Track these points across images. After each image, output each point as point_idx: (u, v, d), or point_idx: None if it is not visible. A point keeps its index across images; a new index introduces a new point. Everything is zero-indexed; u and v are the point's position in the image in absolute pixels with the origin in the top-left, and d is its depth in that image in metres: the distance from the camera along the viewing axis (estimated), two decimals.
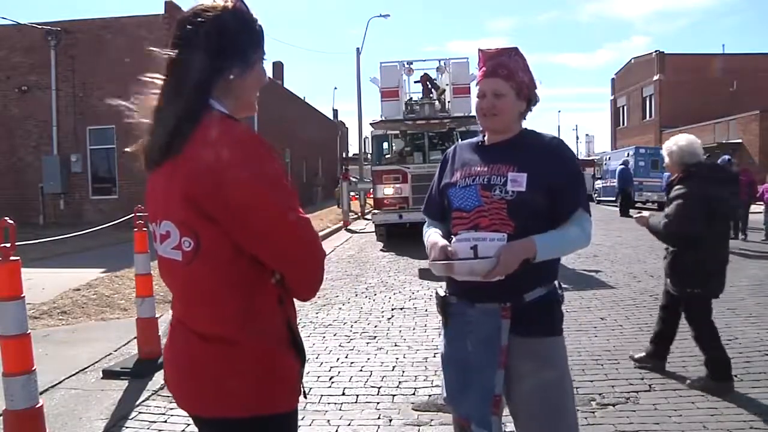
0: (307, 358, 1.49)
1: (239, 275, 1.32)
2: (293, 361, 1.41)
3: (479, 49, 2.02)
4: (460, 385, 1.99)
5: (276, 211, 1.28)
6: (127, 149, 1.41)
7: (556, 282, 2.00)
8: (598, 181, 27.95)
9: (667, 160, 4.12)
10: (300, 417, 3.89)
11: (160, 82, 1.36)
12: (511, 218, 1.87)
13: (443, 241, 1.97)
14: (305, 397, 1.48)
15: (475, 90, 2.14)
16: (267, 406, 1.36)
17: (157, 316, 4.74)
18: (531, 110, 2.04)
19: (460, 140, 15.18)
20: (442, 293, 2.07)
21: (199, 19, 1.33)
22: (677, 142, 4.05)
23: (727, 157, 12.03)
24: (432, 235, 2.06)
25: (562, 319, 2.02)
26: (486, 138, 2.08)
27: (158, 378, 4.27)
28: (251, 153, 1.28)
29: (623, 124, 40.91)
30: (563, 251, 1.99)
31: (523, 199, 1.87)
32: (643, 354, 4.33)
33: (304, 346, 1.46)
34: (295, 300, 1.46)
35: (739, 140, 26.42)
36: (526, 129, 2.05)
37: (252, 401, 1.34)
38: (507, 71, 1.94)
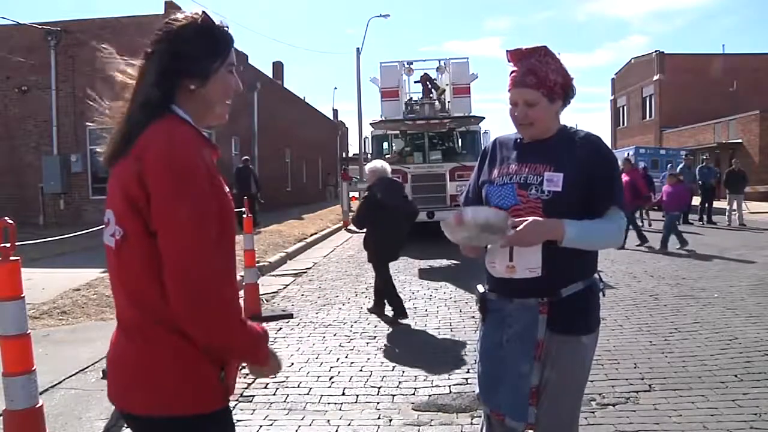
0: (231, 363, 1.46)
1: (160, 271, 1.32)
2: (208, 363, 1.39)
3: (507, 51, 1.99)
4: (493, 379, 2.01)
5: (180, 227, 1.28)
6: (97, 149, 1.49)
7: (596, 275, 2.01)
8: None
9: (369, 173, 6.36)
10: (300, 417, 3.90)
11: (132, 91, 1.44)
12: (546, 217, 1.87)
13: None
14: (227, 400, 1.46)
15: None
16: (187, 406, 1.37)
17: None
18: (569, 103, 2.02)
19: (460, 140, 15.27)
20: (481, 290, 2.09)
21: (162, 31, 1.42)
22: (376, 164, 6.42)
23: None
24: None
25: (599, 311, 2.02)
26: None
27: None
28: (179, 160, 1.31)
29: (623, 124, 40.87)
30: (593, 243, 1.97)
31: (559, 199, 1.88)
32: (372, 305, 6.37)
33: None
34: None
35: (739, 140, 26.40)
36: (564, 126, 2.04)
37: (171, 400, 1.36)
38: (536, 79, 1.91)
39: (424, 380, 4.17)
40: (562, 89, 1.95)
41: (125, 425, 3.49)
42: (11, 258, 2.86)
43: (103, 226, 1.46)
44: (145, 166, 1.30)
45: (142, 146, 1.33)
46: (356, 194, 21.42)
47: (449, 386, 4.03)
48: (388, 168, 6.51)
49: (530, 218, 1.84)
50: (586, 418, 3.41)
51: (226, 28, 1.48)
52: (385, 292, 6.25)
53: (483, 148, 2.24)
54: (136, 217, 1.33)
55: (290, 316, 6.22)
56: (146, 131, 1.35)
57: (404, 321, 5.97)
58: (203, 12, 1.45)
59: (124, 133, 1.39)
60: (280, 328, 5.67)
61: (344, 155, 42.84)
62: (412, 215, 6.57)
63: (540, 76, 1.91)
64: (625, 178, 11.85)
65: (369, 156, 15.25)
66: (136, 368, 1.38)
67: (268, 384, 4.19)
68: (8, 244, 2.83)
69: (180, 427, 1.38)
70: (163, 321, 1.35)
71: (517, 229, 1.82)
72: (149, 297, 1.35)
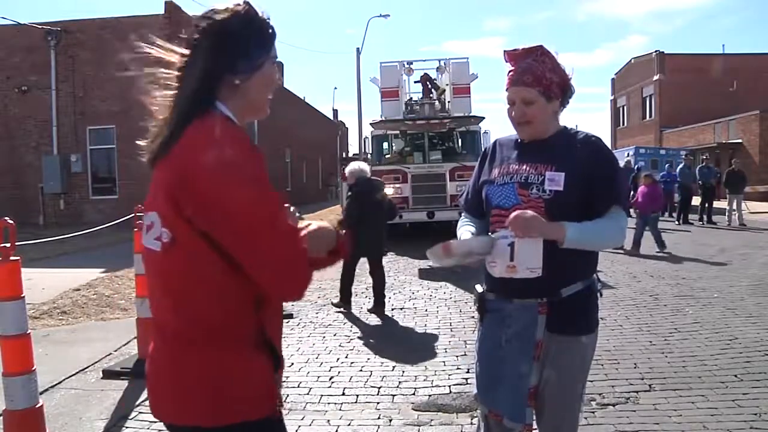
0: (282, 364, 1.43)
1: (212, 274, 1.29)
2: (262, 367, 1.36)
3: (504, 51, 2.00)
4: (492, 379, 2.00)
5: (245, 209, 1.25)
6: (139, 142, 1.42)
7: (594, 275, 2.02)
8: None
9: (348, 175, 6.64)
10: (300, 417, 3.89)
11: (176, 84, 1.38)
12: (548, 217, 1.87)
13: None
14: (281, 404, 1.43)
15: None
16: (228, 415, 1.31)
17: None
18: (568, 102, 2.02)
19: (460, 140, 15.25)
20: (480, 290, 2.09)
21: (206, 23, 1.35)
22: (354, 166, 6.70)
23: None
24: (463, 234, 2.11)
25: (598, 311, 2.03)
26: None
27: None
28: (228, 153, 1.26)
29: (623, 124, 40.86)
30: (595, 243, 1.99)
31: (561, 198, 1.88)
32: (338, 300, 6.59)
33: (279, 351, 1.40)
34: (285, 304, 1.43)
35: (739, 140, 26.39)
36: (564, 127, 2.04)
37: (210, 408, 1.31)
38: (532, 77, 1.92)
39: (424, 380, 4.17)
40: (559, 88, 1.96)
41: (126, 426, 3.51)
42: (11, 258, 2.86)
43: (145, 228, 1.38)
44: (190, 166, 1.25)
45: (184, 145, 1.28)
46: None
47: (449, 386, 4.03)
48: (367, 168, 6.86)
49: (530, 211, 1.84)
50: (586, 418, 3.41)
51: (268, 20, 1.40)
52: (347, 282, 6.62)
53: (483, 148, 2.24)
54: (183, 219, 1.27)
55: (290, 316, 6.22)
56: (188, 130, 1.29)
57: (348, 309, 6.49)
58: (245, 2, 1.36)
59: (167, 131, 1.33)
60: None
61: (344, 155, 42.83)
62: (392, 214, 6.95)
63: (537, 74, 1.92)
64: None
65: (369, 156, 15.25)
66: (171, 374, 1.34)
67: None
68: (8, 244, 2.84)
69: None
70: (202, 325, 1.31)
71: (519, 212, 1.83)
72: (193, 300, 1.31)
